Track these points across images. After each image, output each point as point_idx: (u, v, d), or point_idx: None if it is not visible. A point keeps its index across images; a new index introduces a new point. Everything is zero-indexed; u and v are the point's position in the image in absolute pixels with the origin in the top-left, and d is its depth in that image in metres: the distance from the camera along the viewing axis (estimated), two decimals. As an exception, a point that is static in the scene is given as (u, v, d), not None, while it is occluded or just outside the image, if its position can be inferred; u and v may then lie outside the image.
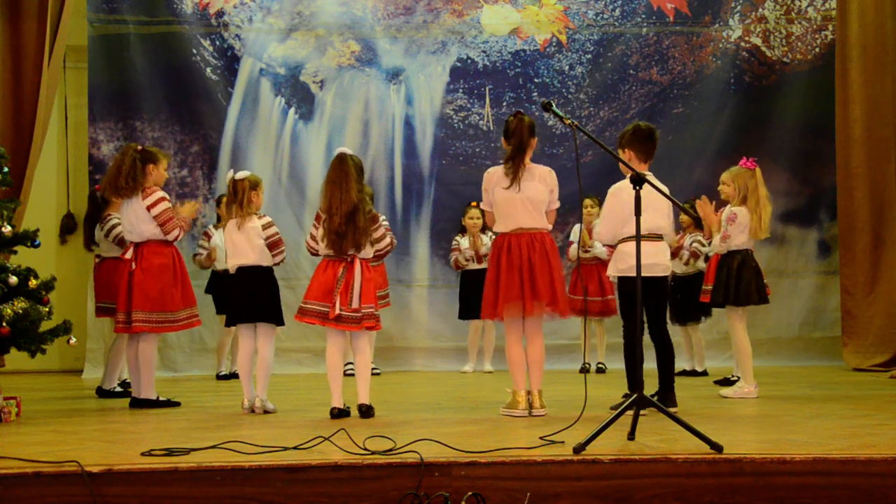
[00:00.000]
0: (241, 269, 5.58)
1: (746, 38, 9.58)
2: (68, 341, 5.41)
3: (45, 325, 5.26)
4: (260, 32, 9.49)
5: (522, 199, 5.18)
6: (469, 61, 9.60)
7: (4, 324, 4.94)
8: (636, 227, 4.22)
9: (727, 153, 8.89)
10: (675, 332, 7.27)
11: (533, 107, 9.48)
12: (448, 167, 9.48)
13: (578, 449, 3.65)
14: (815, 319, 9.35)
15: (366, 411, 5.13)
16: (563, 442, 3.91)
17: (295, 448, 3.82)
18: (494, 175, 5.28)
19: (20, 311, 4.99)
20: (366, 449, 3.73)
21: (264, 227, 5.57)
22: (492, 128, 9.53)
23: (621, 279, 5.40)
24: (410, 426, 4.68)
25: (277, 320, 5.61)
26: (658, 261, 5.32)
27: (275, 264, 5.66)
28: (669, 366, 5.40)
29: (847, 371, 8.32)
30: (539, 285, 5.14)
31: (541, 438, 4.01)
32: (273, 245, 5.60)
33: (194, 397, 6.54)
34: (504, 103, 9.56)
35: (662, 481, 3.49)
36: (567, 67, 9.61)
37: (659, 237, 5.39)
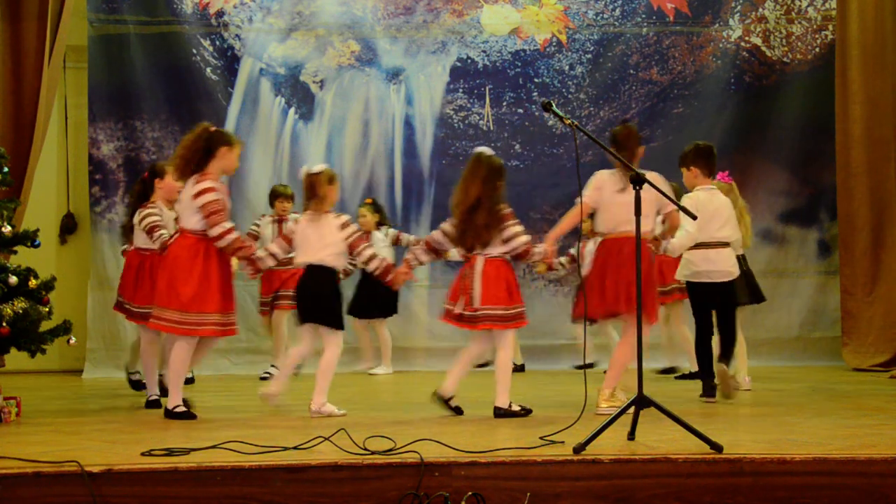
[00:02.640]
0: (309, 267, 5.43)
1: (746, 38, 9.57)
2: (68, 341, 5.39)
3: (45, 325, 5.25)
4: (260, 32, 9.48)
5: (627, 202, 5.19)
6: (469, 61, 9.60)
7: (4, 324, 4.93)
8: (636, 226, 4.23)
9: (727, 153, 8.88)
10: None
11: (533, 107, 9.49)
12: (448, 167, 9.46)
13: (578, 449, 3.65)
14: (815, 319, 9.34)
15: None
16: (563, 442, 3.91)
17: (295, 448, 3.82)
18: (603, 176, 5.55)
19: (20, 311, 4.99)
20: (366, 449, 3.73)
21: (342, 227, 5.42)
22: (492, 128, 9.53)
23: (686, 283, 6.06)
24: (410, 426, 4.68)
25: (337, 325, 5.42)
26: (721, 267, 5.89)
27: (351, 265, 5.44)
28: (728, 348, 5.96)
29: (847, 371, 8.32)
30: (620, 290, 5.26)
31: (541, 438, 4.01)
32: (354, 245, 5.40)
33: (194, 397, 6.52)
34: (504, 103, 9.55)
35: (662, 481, 3.50)
36: (567, 67, 9.60)
37: (725, 244, 5.91)
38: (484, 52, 9.60)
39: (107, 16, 9.19)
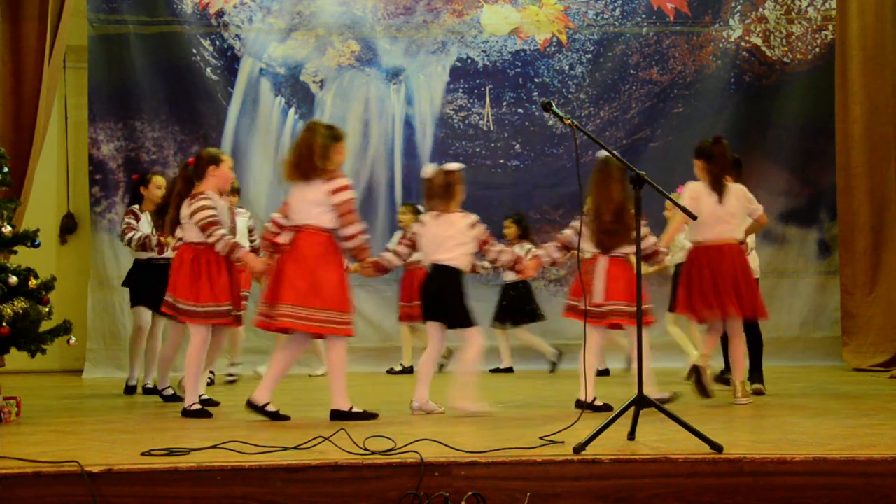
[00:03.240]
0: (436, 267, 5.35)
1: (747, 38, 9.58)
2: (68, 341, 5.39)
3: (45, 325, 5.25)
4: (260, 32, 9.49)
5: (724, 213, 5.70)
6: (469, 61, 9.60)
7: (4, 324, 4.93)
8: (636, 226, 4.23)
9: (727, 153, 8.91)
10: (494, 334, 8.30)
11: (533, 107, 9.49)
12: (448, 167, 9.48)
13: (578, 449, 3.65)
14: (815, 319, 9.36)
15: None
16: (563, 442, 3.91)
17: (295, 448, 3.82)
18: (697, 187, 5.79)
19: (20, 311, 4.99)
20: (366, 449, 3.73)
21: (472, 226, 5.35)
22: (492, 128, 9.53)
23: None
24: (410, 426, 4.68)
25: (465, 323, 5.36)
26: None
27: (479, 257, 5.40)
28: (757, 353, 6.37)
29: (847, 371, 8.32)
30: (730, 292, 5.60)
31: (541, 438, 4.01)
32: (486, 241, 5.37)
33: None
34: (504, 103, 9.56)
35: (662, 481, 3.49)
36: (567, 67, 9.61)
37: (751, 248, 6.29)
38: (484, 52, 9.61)
39: (107, 16, 9.20)
